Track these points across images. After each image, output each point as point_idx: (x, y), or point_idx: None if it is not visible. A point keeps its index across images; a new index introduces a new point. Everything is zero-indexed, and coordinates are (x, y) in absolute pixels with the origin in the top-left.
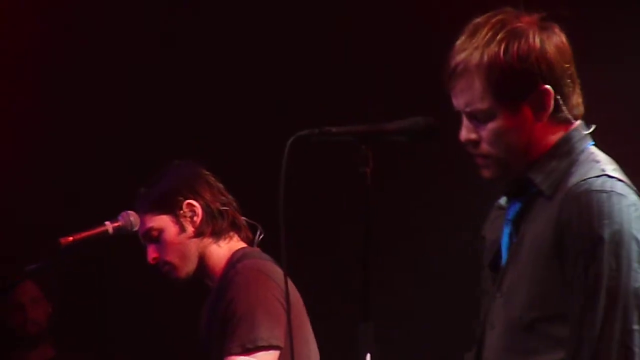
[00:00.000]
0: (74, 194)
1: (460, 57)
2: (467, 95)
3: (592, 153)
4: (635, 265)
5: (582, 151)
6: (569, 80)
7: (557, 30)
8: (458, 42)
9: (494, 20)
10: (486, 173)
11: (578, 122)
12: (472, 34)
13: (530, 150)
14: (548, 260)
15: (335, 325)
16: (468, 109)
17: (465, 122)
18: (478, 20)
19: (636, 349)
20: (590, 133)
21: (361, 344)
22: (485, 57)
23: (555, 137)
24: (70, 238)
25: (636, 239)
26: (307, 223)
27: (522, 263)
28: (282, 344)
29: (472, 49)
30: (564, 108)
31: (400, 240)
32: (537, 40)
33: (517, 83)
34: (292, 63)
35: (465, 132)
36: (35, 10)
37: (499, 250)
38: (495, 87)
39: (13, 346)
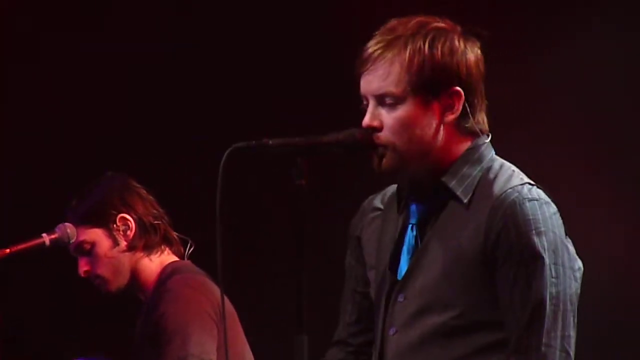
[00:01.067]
0: (13, 205)
1: (380, 44)
2: (381, 79)
3: (503, 162)
4: (569, 272)
5: (492, 159)
6: (479, 94)
7: (477, 44)
8: (378, 33)
9: (418, 18)
10: (381, 165)
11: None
12: (395, 28)
13: (433, 153)
14: (472, 268)
15: (271, 337)
16: (380, 92)
17: (371, 108)
18: (399, 19)
19: (571, 353)
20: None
21: (297, 357)
22: (409, 46)
23: (463, 146)
24: (7, 250)
25: (566, 246)
26: (244, 234)
27: (437, 271)
28: (214, 358)
29: (394, 37)
30: (470, 118)
31: (336, 252)
32: (462, 44)
33: (434, 77)
34: (230, 71)
35: (369, 119)
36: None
37: (397, 253)
38: (413, 75)
39: None
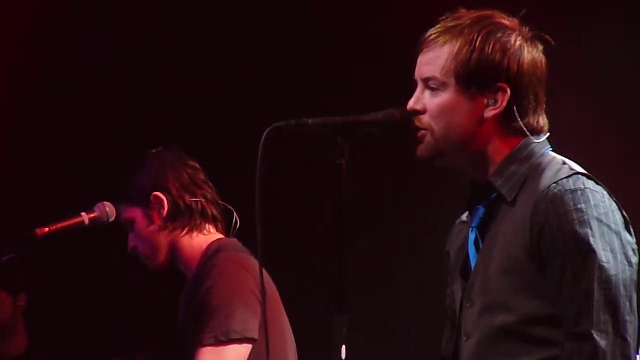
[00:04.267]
0: (50, 186)
1: (440, 28)
2: (429, 63)
3: (555, 157)
4: (620, 257)
5: (543, 155)
6: (532, 97)
7: (540, 48)
8: (443, 18)
9: (485, 12)
10: (419, 150)
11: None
12: (458, 17)
13: (472, 146)
14: (522, 265)
15: (313, 318)
16: (426, 75)
17: (417, 92)
18: (468, 10)
19: (629, 339)
20: (547, 139)
21: (335, 337)
22: (463, 36)
23: (510, 144)
24: (47, 229)
25: (616, 232)
26: (284, 215)
27: (493, 270)
28: (256, 336)
29: (454, 25)
30: (517, 118)
31: (376, 233)
32: (518, 43)
33: (480, 70)
34: (269, 56)
35: (414, 102)
36: (26, 6)
37: (467, 259)
38: (459, 64)
39: None
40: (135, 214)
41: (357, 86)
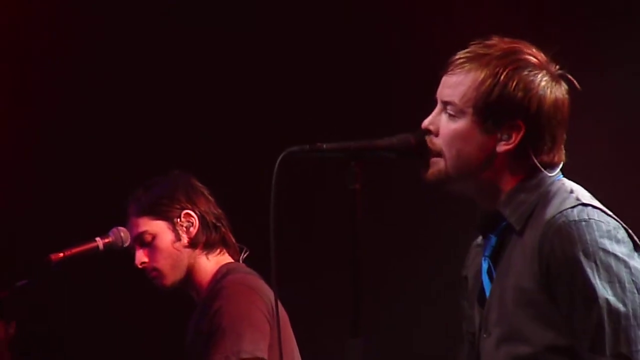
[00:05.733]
0: (59, 211)
1: (468, 54)
2: (451, 87)
3: (564, 184)
4: (629, 286)
5: (552, 183)
6: (548, 137)
7: (564, 87)
8: (477, 42)
9: (516, 44)
10: (428, 173)
11: None
12: (489, 45)
13: (480, 177)
14: (534, 295)
15: (327, 341)
16: (445, 98)
17: (434, 112)
18: (502, 38)
19: None
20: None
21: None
22: (489, 67)
23: (520, 176)
24: (61, 254)
25: (624, 261)
26: (298, 239)
27: (507, 301)
28: (265, 356)
29: (483, 53)
30: (530, 155)
31: (391, 257)
32: (543, 83)
33: (499, 105)
34: (283, 77)
35: (429, 121)
36: (35, 16)
37: (482, 288)
38: (480, 96)
39: None
40: (158, 228)
41: (370, 108)
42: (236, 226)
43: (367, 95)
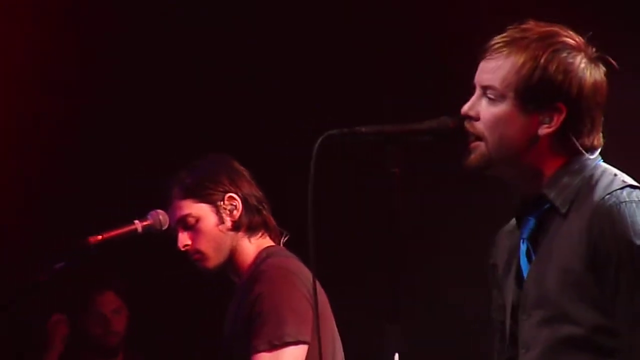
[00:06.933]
0: (101, 194)
1: (505, 38)
2: (491, 72)
3: (607, 168)
4: None
5: (595, 167)
6: (588, 119)
7: (602, 70)
8: (513, 26)
9: (553, 27)
10: (470, 159)
11: None
12: (526, 29)
13: (523, 161)
14: (580, 277)
15: (360, 325)
16: (485, 83)
17: (474, 98)
18: (537, 22)
19: None
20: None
21: (389, 344)
22: (528, 50)
23: (562, 159)
24: (99, 237)
25: None
26: (335, 223)
27: (549, 282)
28: (309, 340)
29: (520, 37)
30: (572, 137)
31: (430, 242)
32: (582, 65)
33: (540, 88)
34: (316, 63)
35: (468, 106)
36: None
37: (519, 270)
38: (520, 79)
39: (94, 355)
40: (202, 211)
41: (409, 92)
42: (276, 211)
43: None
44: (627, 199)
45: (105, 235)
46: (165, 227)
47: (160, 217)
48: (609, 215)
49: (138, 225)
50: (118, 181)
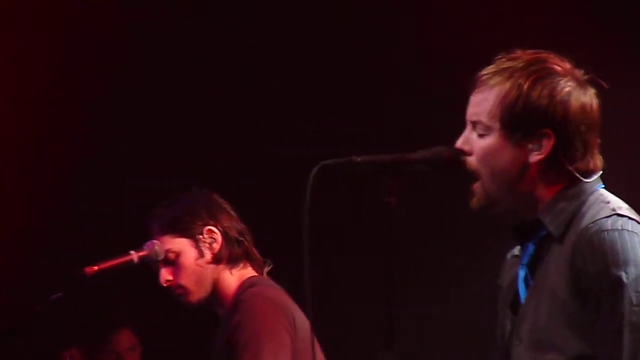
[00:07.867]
0: (94, 225)
1: (491, 70)
2: (477, 105)
3: (602, 194)
4: None
5: (592, 193)
6: (579, 143)
7: (591, 92)
8: (497, 57)
9: (539, 54)
10: (472, 202)
11: None
12: (514, 57)
13: (518, 191)
14: (566, 304)
15: (361, 354)
16: (473, 118)
17: (466, 132)
18: (524, 50)
19: None
20: (599, 177)
21: None
22: (512, 79)
23: (559, 185)
24: (96, 267)
25: None
26: (330, 252)
27: (541, 308)
28: None
29: (504, 68)
30: (564, 162)
31: (424, 269)
32: (567, 89)
33: (525, 116)
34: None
35: (461, 141)
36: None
37: (516, 295)
38: (505, 109)
39: None
40: (182, 245)
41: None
42: (268, 241)
43: (399, 108)
44: (610, 228)
45: (102, 266)
46: (162, 257)
47: (156, 247)
48: (590, 244)
49: (134, 255)
50: (113, 213)
